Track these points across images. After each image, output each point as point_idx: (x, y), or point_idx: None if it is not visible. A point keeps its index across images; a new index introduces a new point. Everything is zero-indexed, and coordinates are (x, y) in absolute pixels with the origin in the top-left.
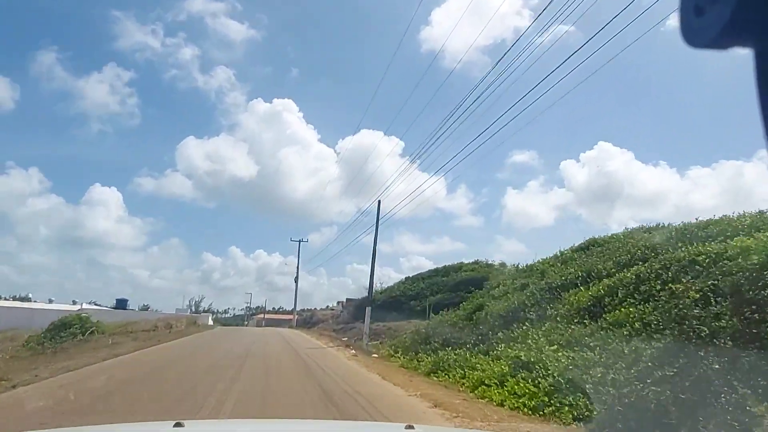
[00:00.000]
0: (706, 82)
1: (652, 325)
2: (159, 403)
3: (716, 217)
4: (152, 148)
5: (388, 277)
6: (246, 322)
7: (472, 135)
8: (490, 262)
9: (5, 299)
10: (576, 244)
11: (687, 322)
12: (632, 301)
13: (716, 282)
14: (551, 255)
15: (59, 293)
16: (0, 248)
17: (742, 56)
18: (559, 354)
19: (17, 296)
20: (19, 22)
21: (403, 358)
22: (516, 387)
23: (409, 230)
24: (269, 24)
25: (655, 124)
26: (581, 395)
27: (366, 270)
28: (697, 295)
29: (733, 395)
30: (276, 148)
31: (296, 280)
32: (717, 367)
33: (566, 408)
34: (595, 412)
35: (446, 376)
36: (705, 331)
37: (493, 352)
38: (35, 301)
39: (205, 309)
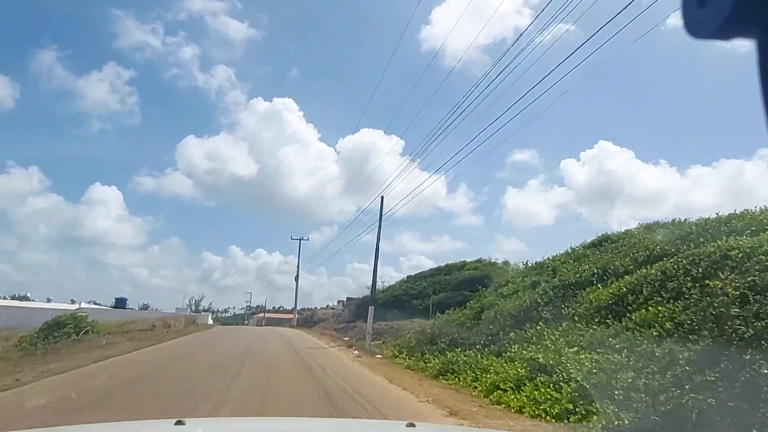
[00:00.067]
0: (707, 81)
1: (686, 326)
2: (149, 417)
3: (738, 212)
4: (152, 147)
5: (389, 276)
6: (246, 322)
7: (472, 134)
8: (493, 260)
9: (4, 298)
10: (588, 241)
11: (727, 323)
12: (659, 299)
13: (755, 278)
14: (562, 252)
15: (59, 292)
16: (0, 247)
17: (743, 55)
18: (582, 356)
19: (16, 295)
20: (19, 21)
21: (409, 359)
22: (536, 392)
23: (409, 229)
24: (269, 23)
25: (655, 122)
26: (609, 402)
27: (366, 269)
28: (736, 293)
29: None
30: (276, 147)
31: (297, 278)
32: (766, 371)
33: (594, 416)
34: (626, 421)
35: (456, 379)
36: (748, 333)
37: (505, 353)
38: (33, 301)
39: (205, 308)
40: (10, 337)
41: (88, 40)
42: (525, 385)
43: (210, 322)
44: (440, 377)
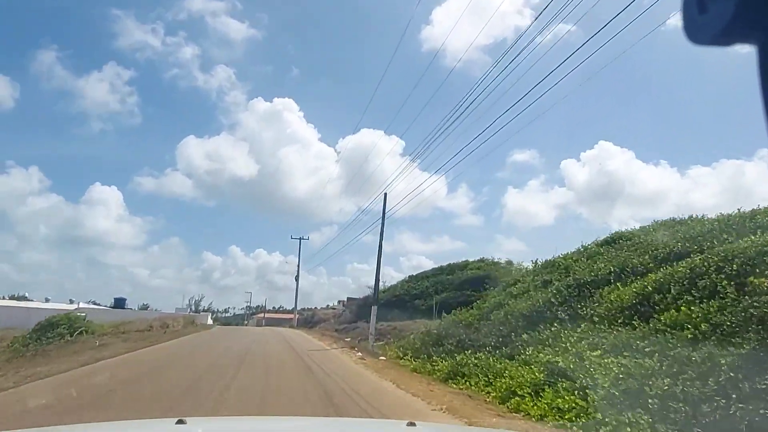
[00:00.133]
0: (707, 81)
1: (725, 327)
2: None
3: (761, 208)
4: (152, 147)
5: (390, 276)
6: (246, 322)
7: (472, 134)
8: (496, 259)
9: (3, 298)
10: (601, 238)
11: None
12: (690, 298)
13: None
14: (573, 249)
15: (59, 293)
16: (0, 247)
17: (743, 56)
18: (607, 360)
19: (15, 295)
20: (19, 21)
21: (415, 361)
22: (559, 400)
23: (409, 229)
24: (269, 23)
25: (655, 123)
26: (642, 411)
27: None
28: None
29: None
30: (276, 148)
31: (297, 278)
32: None
33: (626, 428)
34: None
35: (467, 383)
36: None
37: (519, 356)
38: (32, 300)
39: (205, 308)
40: (4, 338)
41: (88, 40)
42: (544, 391)
43: (209, 322)
44: (449, 381)
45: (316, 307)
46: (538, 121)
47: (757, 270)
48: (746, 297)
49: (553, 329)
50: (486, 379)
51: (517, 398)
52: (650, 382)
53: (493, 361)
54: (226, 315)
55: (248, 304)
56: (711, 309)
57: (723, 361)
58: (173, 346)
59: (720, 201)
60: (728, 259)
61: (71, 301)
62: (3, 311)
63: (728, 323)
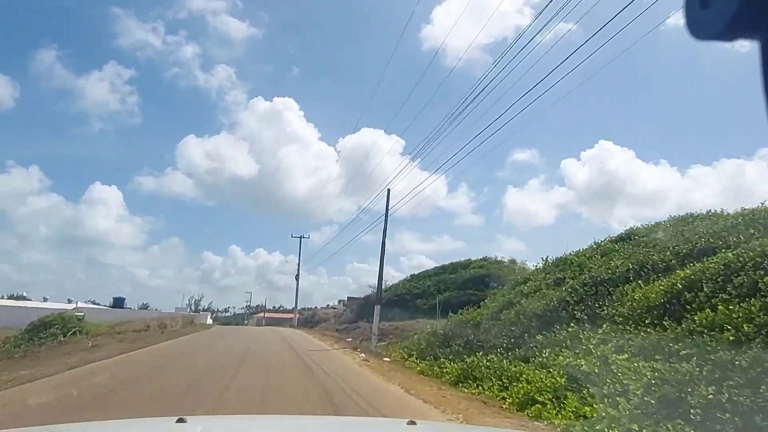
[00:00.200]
0: (707, 80)
1: None
2: None
3: None
4: (152, 146)
5: (390, 275)
6: (246, 321)
7: (473, 133)
8: (499, 258)
9: (2, 298)
10: (614, 235)
11: None
12: (726, 296)
13: None
14: (586, 246)
15: (59, 292)
16: (0, 247)
17: (743, 54)
18: (636, 365)
19: (14, 295)
20: (19, 20)
21: (421, 362)
22: (586, 408)
23: (410, 229)
24: (270, 22)
25: (656, 122)
26: (683, 422)
27: (366, 268)
28: None
29: None
30: (276, 147)
31: (297, 277)
32: None
33: None
34: None
35: (479, 387)
36: None
37: (535, 358)
38: (30, 300)
39: (205, 308)
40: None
41: (88, 39)
42: (566, 397)
43: (209, 321)
44: (459, 384)
45: (316, 307)
46: (538, 120)
47: None
48: None
49: (570, 330)
50: (500, 383)
51: (537, 405)
52: (689, 390)
53: (507, 363)
54: (226, 315)
55: (248, 303)
56: (753, 308)
57: None
58: (171, 346)
59: (720, 200)
60: (766, 255)
61: (69, 301)
62: (2, 311)
63: None
